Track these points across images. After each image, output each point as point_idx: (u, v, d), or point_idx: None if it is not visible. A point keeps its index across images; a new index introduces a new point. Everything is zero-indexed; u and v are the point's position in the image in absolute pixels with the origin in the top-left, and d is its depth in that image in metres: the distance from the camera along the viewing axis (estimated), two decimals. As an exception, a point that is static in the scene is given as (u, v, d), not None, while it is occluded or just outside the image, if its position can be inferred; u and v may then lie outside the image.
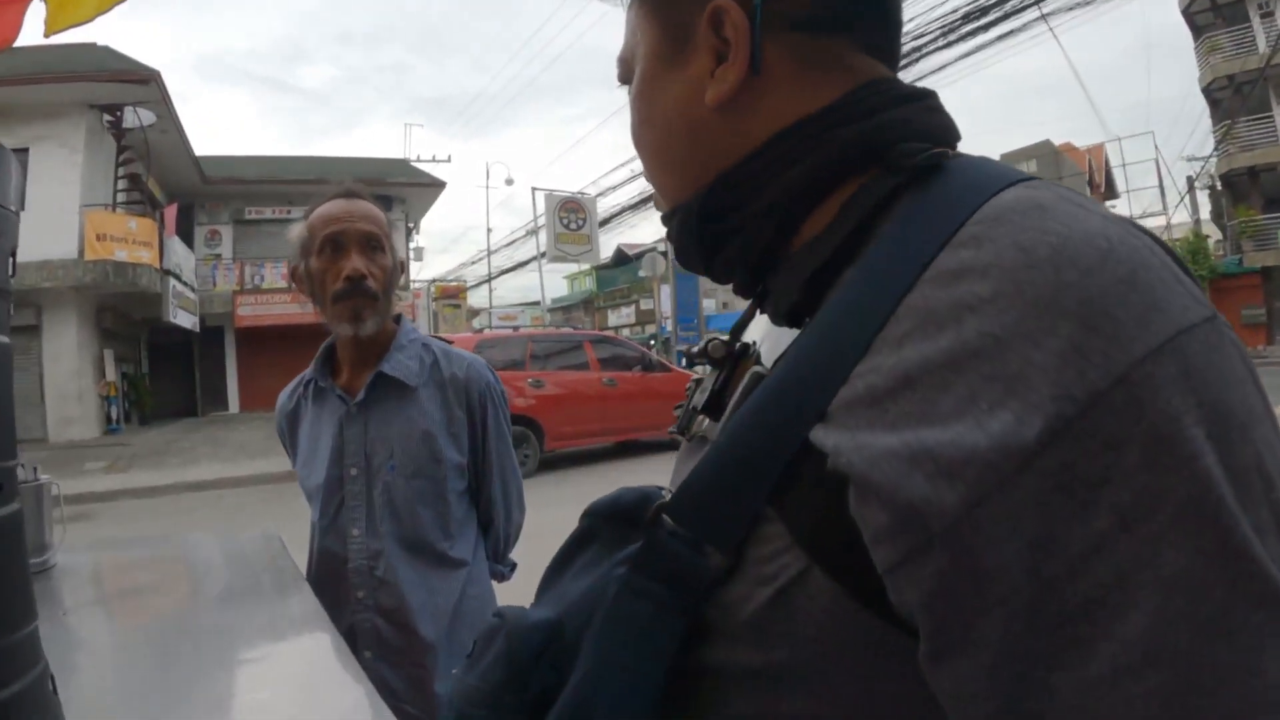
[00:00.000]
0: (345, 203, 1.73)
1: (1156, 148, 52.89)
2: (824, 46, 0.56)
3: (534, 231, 25.29)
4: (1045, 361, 0.37)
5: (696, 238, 0.61)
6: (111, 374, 18.03)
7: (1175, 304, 0.39)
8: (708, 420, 0.60)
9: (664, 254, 21.51)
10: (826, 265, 0.51)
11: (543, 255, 23.29)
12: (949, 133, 0.56)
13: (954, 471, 0.38)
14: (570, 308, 52.45)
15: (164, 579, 1.82)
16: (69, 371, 16.37)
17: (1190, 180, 28.75)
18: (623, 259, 41.13)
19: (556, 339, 12.48)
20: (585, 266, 34.23)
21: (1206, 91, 26.48)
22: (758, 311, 0.66)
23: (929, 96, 0.57)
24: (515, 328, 18.52)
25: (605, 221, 25.64)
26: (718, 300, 41.09)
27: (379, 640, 1.66)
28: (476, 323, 34.72)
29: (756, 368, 0.55)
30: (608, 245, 31.87)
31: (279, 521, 7.58)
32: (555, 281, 54.41)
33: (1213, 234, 30.52)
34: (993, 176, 0.48)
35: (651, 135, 0.63)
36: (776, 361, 0.53)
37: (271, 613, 1.46)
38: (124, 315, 19.25)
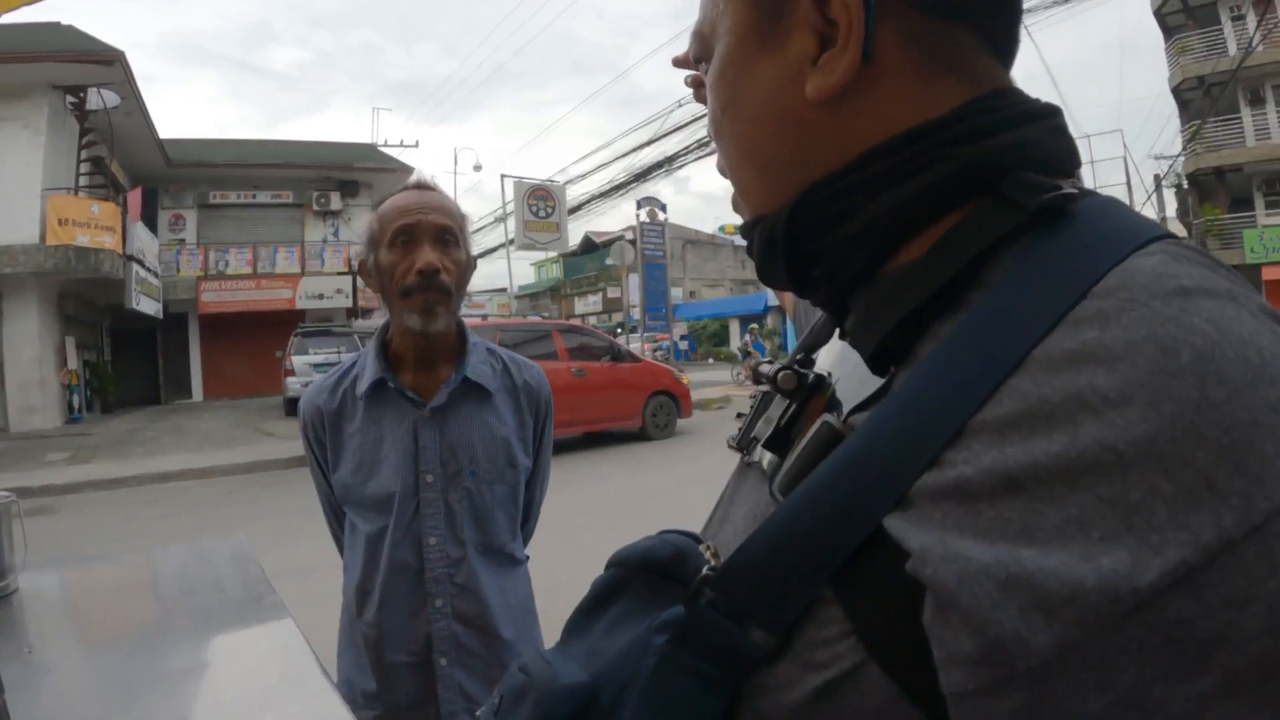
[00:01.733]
0: (418, 194, 1.69)
1: (1125, 146, 53.72)
2: (946, 36, 0.50)
3: (502, 219, 25.31)
4: (1174, 495, 0.33)
5: (784, 257, 0.55)
6: (73, 362, 18.04)
7: None
8: (769, 455, 0.55)
9: (632, 242, 21.69)
10: (921, 309, 0.47)
11: (511, 243, 23.33)
12: (1071, 159, 0.51)
13: (1052, 608, 0.34)
14: (537, 295, 52.62)
15: (133, 604, 1.73)
16: (30, 359, 16.34)
17: (1158, 179, 29.13)
18: (590, 247, 41.46)
19: (525, 328, 12.47)
20: (553, 254, 34.24)
21: (1176, 92, 26.90)
22: (836, 332, 0.62)
23: (1055, 114, 0.51)
24: (484, 316, 18.58)
25: (574, 209, 25.69)
26: (685, 290, 41.38)
27: (457, 646, 1.65)
28: (444, 310, 34.65)
29: (828, 417, 0.50)
30: (575, 233, 31.92)
31: (248, 518, 7.49)
32: (522, 268, 54.22)
33: (1178, 232, 30.91)
34: (1126, 231, 0.43)
35: (736, 126, 0.57)
36: (852, 412, 0.50)
37: (250, 645, 1.42)
38: (86, 302, 19.23)
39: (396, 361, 1.74)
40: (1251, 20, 23.21)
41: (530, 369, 1.87)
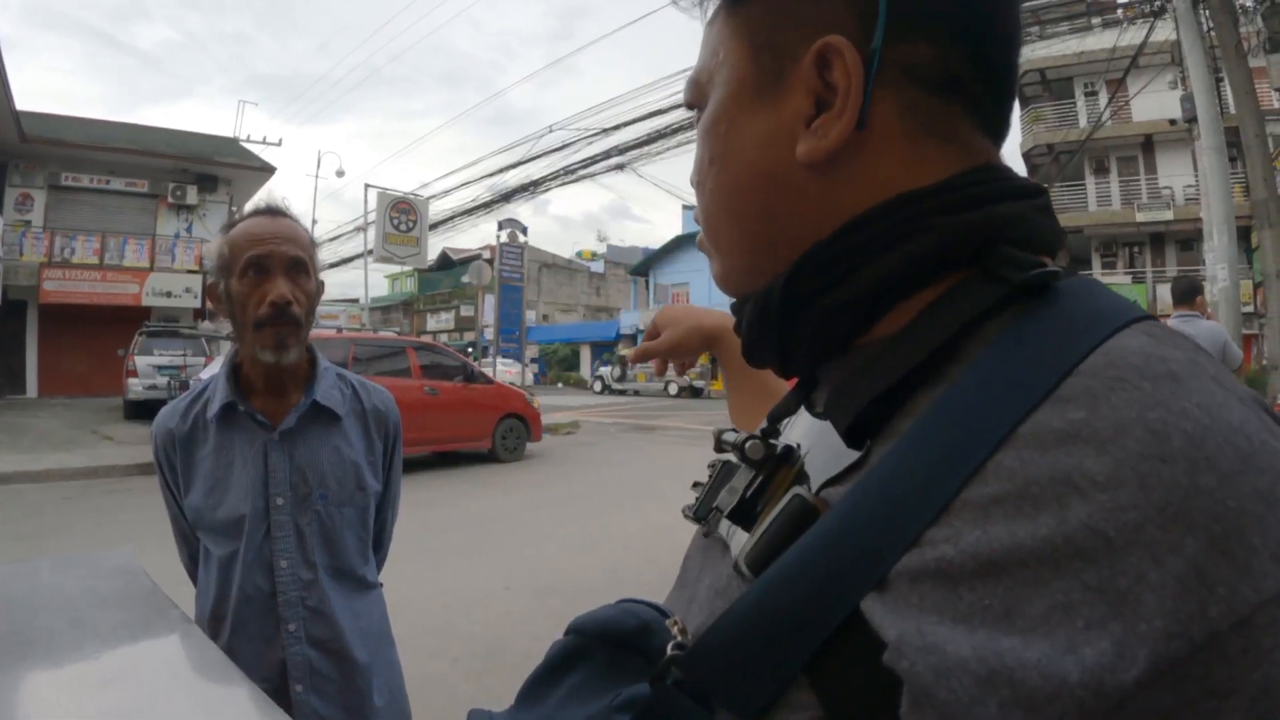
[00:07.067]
0: (269, 221, 1.70)
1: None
2: (940, 111, 0.50)
3: (362, 228, 25.24)
4: (1163, 583, 0.32)
5: (776, 332, 0.54)
6: (-101, 346, 17.27)
7: None
8: (733, 526, 0.54)
9: (490, 262, 22.16)
10: (901, 382, 0.46)
11: (369, 254, 23.27)
12: (1056, 239, 0.51)
13: (1035, 706, 0.33)
14: (390, 308, 52.54)
15: (35, 628, 1.39)
16: None
17: (1004, 236, 31.43)
18: (447, 263, 41.62)
19: (379, 344, 12.63)
20: (409, 268, 34.35)
21: (1027, 156, 29.40)
22: (802, 403, 0.61)
23: (1042, 194, 0.52)
24: (338, 329, 18.17)
25: (435, 225, 25.78)
26: (538, 313, 41.97)
27: (311, 672, 1.67)
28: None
29: (800, 490, 0.49)
30: (433, 248, 32.28)
31: (89, 527, 7.81)
32: (376, 280, 53.82)
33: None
34: (1110, 310, 0.42)
35: (721, 179, 0.56)
36: (824, 485, 0.49)
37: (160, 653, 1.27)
38: (-81, 281, 18.47)
39: (247, 386, 1.76)
40: (1103, 97, 25.62)
41: (380, 394, 1.92)
